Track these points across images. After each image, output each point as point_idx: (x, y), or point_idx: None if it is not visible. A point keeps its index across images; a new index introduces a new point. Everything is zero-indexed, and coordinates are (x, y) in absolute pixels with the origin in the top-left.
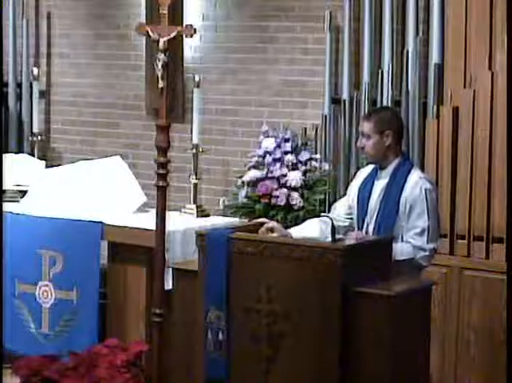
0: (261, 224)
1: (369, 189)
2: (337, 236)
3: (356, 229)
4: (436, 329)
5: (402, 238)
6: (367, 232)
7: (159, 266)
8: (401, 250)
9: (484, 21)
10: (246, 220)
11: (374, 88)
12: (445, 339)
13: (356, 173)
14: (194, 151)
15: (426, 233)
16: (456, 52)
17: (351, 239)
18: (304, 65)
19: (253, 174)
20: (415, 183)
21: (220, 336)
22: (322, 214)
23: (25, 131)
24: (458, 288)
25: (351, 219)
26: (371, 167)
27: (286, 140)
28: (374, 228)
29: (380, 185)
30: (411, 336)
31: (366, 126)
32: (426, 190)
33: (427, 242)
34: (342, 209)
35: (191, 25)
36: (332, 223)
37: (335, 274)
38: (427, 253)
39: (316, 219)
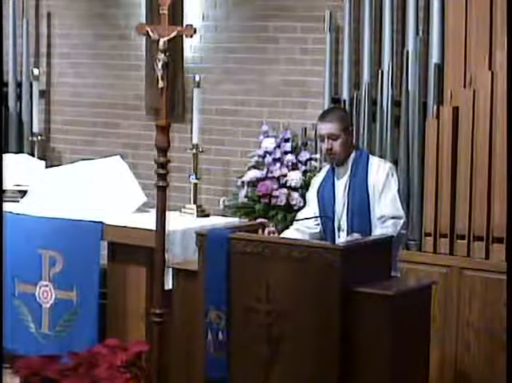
0: (262, 224)
1: (330, 190)
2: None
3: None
4: (436, 329)
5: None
6: (339, 229)
7: (159, 266)
8: (386, 232)
9: (484, 21)
10: (246, 220)
11: (374, 88)
12: (445, 339)
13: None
14: (194, 151)
15: (397, 201)
16: (456, 52)
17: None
18: (304, 65)
19: (253, 174)
20: (378, 165)
21: (220, 336)
22: (295, 220)
23: (25, 131)
24: (458, 288)
25: (318, 224)
26: (322, 172)
27: (286, 140)
28: (348, 222)
29: (342, 182)
30: (411, 336)
31: (332, 127)
32: (390, 168)
33: (402, 208)
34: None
35: (191, 25)
36: (332, 223)
37: (334, 274)
38: (403, 219)
39: (291, 229)
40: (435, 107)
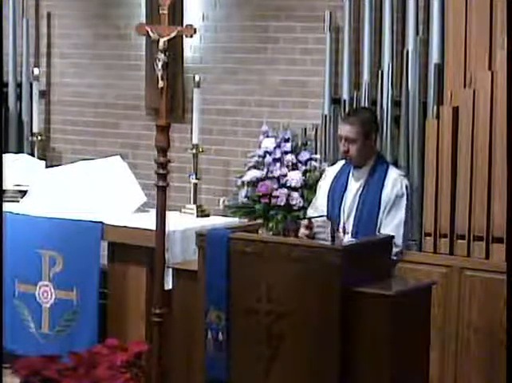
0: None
1: (343, 188)
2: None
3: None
4: (436, 329)
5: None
6: (344, 230)
7: (159, 266)
8: None
9: (484, 21)
10: (246, 220)
11: (374, 88)
12: (445, 339)
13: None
14: (194, 151)
15: (401, 228)
16: (456, 52)
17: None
18: (304, 65)
19: (253, 174)
20: (395, 180)
21: (220, 336)
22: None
23: (25, 131)
24: (458, 288)
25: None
26: (339, 165)
27: (286, 140)
28: (354, 226)
29: (356, 184)
30: (411, 336)
31: (350, 130)
32: (406, 187)
33: (402, 238)
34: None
35: (191, 25)
36: (332, 223)
37: (334, 273)
38: (399, 248)
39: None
40: (435, 107)
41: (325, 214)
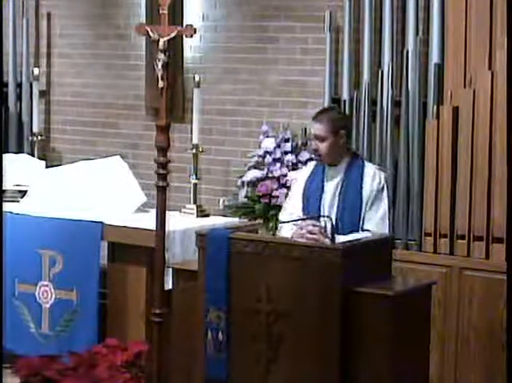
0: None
1: (319, 189)
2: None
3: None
4: (436, 329)
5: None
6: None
7: (159, 266)
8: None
9: (484, 21)
10: (246, 220)
11: (374, 88)
12: (445, 339)
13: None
14: (194, 151)
15: (386, 219)
16: (456, 52)
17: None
18: (304, 65)
19: (253, 174)
20: (374, 174)
21: (220, 336)
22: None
23: (25, 131)
24: (458, 288)
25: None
26: (308, 168)
27: (286, 140)
28: (336, 225)
29: (332, 183)
30: (411, 336)
31: (320, 128)
32: (385, 179)
33: (388, 228)
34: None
35: (191, 25)
36: (332, 223)
37: (334, 273)
38: None
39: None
40: (435, 107)
41: (302, 217)
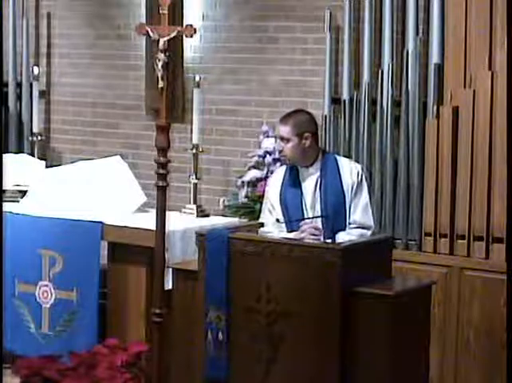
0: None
1: (298, 191)
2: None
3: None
4: (436, 329)
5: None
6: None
7: (159, 266)
8: (349, 239)
9: (484, 21)
10: (246, 220)
11: (374, 88)
12: (445, 339)
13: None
14: (194, 151)
15: (369, 209)
16: (456, 52)
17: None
18: (304, 65)
19: (253, 174)
20: (349, 167)
21: (220, 336)
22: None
23: (25, 131)
24: (458, 288)
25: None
26: (279, 174)
27: None
28: (323, 222)
29: (309, 183)
30: (410, 336)
31: (284, 130)
32: (362, 169)
33: (372, 218)
34: (273, 225)
35: (191, 25)
36: (323, 223)
37: (334, 273)
38: (372, 229)
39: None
40: (435, 107)
41: (283, 221)
